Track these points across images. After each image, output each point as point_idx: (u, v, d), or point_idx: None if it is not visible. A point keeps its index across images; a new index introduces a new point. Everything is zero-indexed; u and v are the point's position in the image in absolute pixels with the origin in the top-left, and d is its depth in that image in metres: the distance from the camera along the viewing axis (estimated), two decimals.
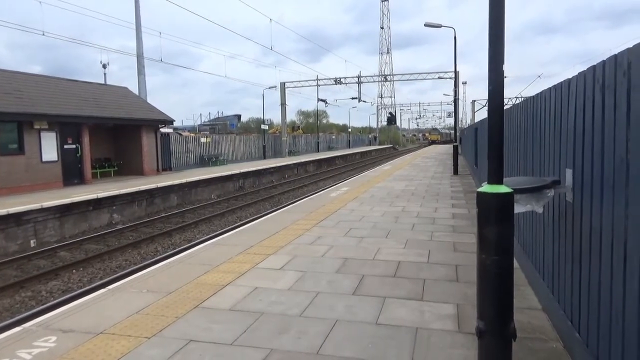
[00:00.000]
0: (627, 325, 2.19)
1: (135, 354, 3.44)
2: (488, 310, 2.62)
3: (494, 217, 2.58)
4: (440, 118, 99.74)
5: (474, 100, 58.93)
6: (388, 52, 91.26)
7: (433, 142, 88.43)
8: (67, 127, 17.95)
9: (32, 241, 11.76)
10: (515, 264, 5.51)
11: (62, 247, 11.17)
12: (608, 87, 2.44)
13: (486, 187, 2.63)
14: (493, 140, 2.63)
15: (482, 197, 2.63)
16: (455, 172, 18.34)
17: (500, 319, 2.59)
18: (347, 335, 3.67)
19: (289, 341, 3.60)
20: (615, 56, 2.32)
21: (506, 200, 2.59)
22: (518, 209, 3.07)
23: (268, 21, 33.16)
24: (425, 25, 20.31)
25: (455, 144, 20.25)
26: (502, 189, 2.59)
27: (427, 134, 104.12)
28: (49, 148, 17.10)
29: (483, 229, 2.62)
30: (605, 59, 2.49)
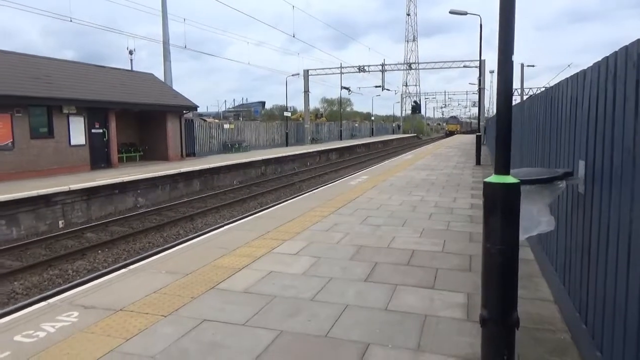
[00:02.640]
0: (629, 319, 2.21)
1: (151, 330, 3.60)
2: (492, 299, 2.66)
3: (500, 207, 2.60)
4: (466, 107, 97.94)
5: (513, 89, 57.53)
6: (414, 40, 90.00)
7: (451, 133, 75.36)
8: (95, 112, 18.38)
9: (60, 222, 12.18)
10: (531, 255, 5.49)
11: (89, 229, 11.54)
12: (619, 78, 2.41)
13: (493, 177, 2.64)
14: (501, 131, 2.64)
15: (488, 187, 2.65)
16: (478, 162, 18.13)
17: (503, 307, 2.62)
18: (356, 320, 3.75)
19: (299, 323, 3.70)
20: (626, 47, 2.30)
21: (513, 191, 2.60)
22: (535, 203, 3.07)
23: (292, 8, 33.04)
24: (451, 12, 19.96)
25: (478, 133, 19.97)
26: (509, 179, 2.60)
27: (444, 123, 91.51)
28: (77, 132, 17.57)
29: (489, 219, 2.64)
30: (617, 49, 2.47)
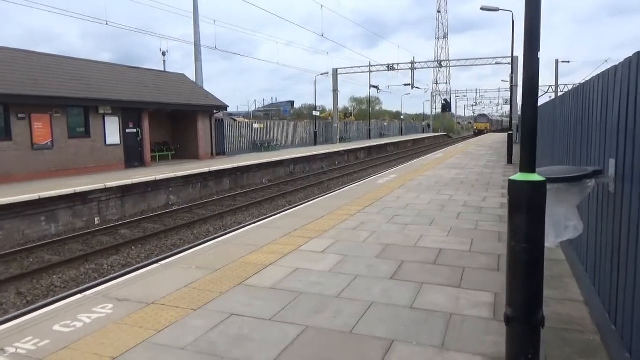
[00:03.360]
0: None
1: (181, 323, 3.72)
2: (516, 298, 2.64)
3: (525, 205, 2.58)
4: (498, 105, 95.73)
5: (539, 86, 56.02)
6: (444, 37, 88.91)
7: (480, 132, 70.13)
8: (129, 112, 18.92)
9: (96, 219, 12.60)
10: (562, 255, 5.39)
11: (123, 225, 11.91)
12: None
13: (518, 176, 2.63)
14: (526, 128, 2.62)
15: (514, 185, 2.64)
16: (510, 161, 17.79)
17: (528, 306, 2.60)
18: (381, 317, 3.78)
19: (324, 320, 3.75)
20: None
21: (538, 189, 2.58)
22: (563, 203, 3.02)
23: (321, 8, 33.11)
24: (482, 9, 19.62)
25: (510, 131, 19.58)
26: (534, 177, 2.58)
27: (472, 122, 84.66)
28: (112, 132, 18.12)
29: (513, 217, 2.63)
30: None
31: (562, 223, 3.01)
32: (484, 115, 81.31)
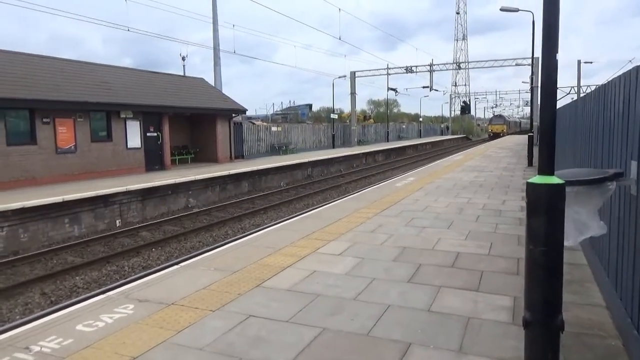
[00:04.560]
0: None
1: (200, 324, 3.77)
2: (535, 301, 2.61)
3: (544, 208, 2.55)
4: (519, 107, 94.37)
5: (557, 88, 55.02)
6: (464, 39, 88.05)
7: (496, 135, 62.42)
8: (150, 116, 19.22)
9: (117, 221, 12.83)
10: (583, 260, 5.30)
11: (144, 228, 12.10)
12: None
13: (536, 178, 2.60)
14: (544, 130, 2.60)
15: (532, 188, 2.61)
16: (530, 163, 17.52)
17: (547, 310, 2.57)
18: (398, 320, 3.77)
19: (341, 322, 3.76)
20: None
21: (557, 192, 2.55)
22: (584, 206, 2.98)
23: (339, 11, 33.16)
24: (501, 9, 19.41)
25: (530, 133, 19.30)
26: (553, 179, 2.55)
27: (487, 124, 75.14)
28: (133, 136, 18.44)
29: (532, 220, 2.60)
30: None
31: (584, 221, 2.97)
32: (499, 117, 72.03)
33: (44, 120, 15.13)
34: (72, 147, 16.03)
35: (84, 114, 16.39)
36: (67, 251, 10.07)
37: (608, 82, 4.18)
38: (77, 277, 8.48)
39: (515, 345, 3.26)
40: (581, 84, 44.62)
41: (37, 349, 3.41)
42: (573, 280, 4.62)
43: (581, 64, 43.84)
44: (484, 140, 60.01)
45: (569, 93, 49.17)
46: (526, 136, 21.52)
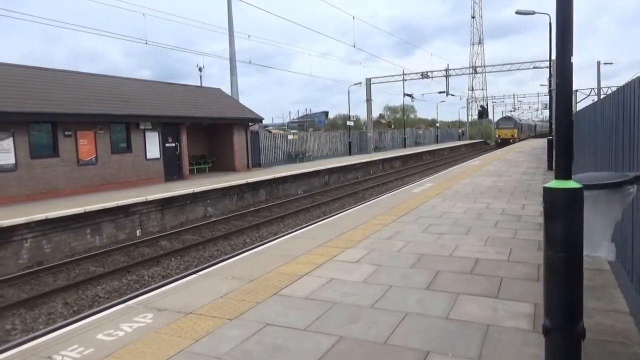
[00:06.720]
0: None
1: (218, 333, 3.79)
2: (555, 308, 2.57)
3: (562, 212, 2.52)
4: (537, 110, 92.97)
5: (576, 90, 54.19)
6: (480, 43, 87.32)
7: (504, 142, 52.11)
8: (168, 127, 19.50)
9: (137, 231, 13.01)
10: (606, 265, 5.18)
11: (163, 237, 12.24)
12: None
13: (553, 182, 2.57)
14: (561, 134, 2.56)
15: (549, 193, 2.57)
16: (550, 167, 17.24)
17: (567, 316, 2.52)
18: (416, 328, 3.74)
19: (358, 330, 3.74)
20: None
21: (575, 196, 2.51)
22: (603, 214, 2.91)
23: (353, 19, 33.29)
24: (517, 12, 19.25)
25: (549, 137, 19.00)
26: (571, 184, 2.52)
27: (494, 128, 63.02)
28: (152, 146, 18.72)
29: (549, 225, 2.56)
30: None
31: (595, 239, 2.88)
32: (508, 119, 59.73)
33: (66, 133, 15.47)
34: (93, 158, 16.34)
35: (104, 126, 16.72)
36: (88, 261, 10.24)
37: (627, 83, 4.11)
38: (98, 287, 8.61)
39: (536, 354, 3.20)
40: (601, 86, 43.78)
41: (59, 358, 3.47)
42: (595, 286, 4.52)
43: (601, 65, 43.06)
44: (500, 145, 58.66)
45: (589, 95, 48.34)
46: (545, 140, 21.20)
